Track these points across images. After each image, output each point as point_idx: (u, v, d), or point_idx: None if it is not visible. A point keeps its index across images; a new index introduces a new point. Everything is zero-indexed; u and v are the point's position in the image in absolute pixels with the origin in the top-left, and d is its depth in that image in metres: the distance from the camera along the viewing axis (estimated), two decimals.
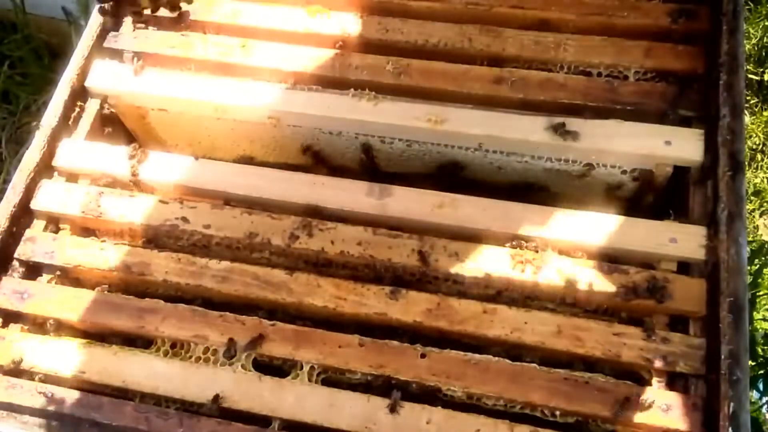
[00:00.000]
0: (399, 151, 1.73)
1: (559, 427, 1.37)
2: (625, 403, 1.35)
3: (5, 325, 1.57)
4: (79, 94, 1.79)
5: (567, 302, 1.50)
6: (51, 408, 1.44)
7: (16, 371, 1.50)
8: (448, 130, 1.65)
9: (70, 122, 1.76)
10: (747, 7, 3.18)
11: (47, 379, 1.49)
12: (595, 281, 1.46)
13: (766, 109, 3.10)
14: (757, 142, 3.05)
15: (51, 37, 3.07)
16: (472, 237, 1.55)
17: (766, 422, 2.29)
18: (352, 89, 1.70)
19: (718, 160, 1.52)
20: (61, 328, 1.57)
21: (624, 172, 1.64)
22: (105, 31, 1.84)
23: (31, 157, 1.69)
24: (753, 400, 2.30)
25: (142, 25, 1.86)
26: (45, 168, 1.70)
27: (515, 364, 1.42)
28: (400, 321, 1.48)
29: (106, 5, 1.23)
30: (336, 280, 1.52)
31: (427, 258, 1.51)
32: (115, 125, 1.85)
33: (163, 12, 1.26)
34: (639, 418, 1.34)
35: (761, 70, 3.13)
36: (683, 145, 1.57)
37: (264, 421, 1.41)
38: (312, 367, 1.45)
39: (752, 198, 2.92)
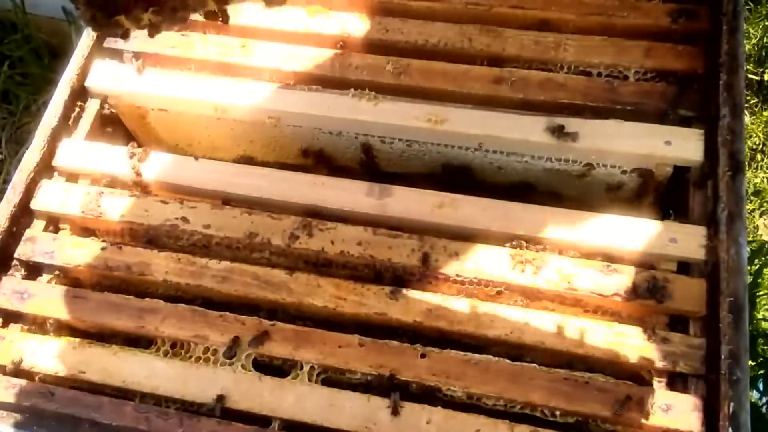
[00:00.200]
0: (399, 151, 1.73)
1: (559, 427, 1.37)
2: (625, 403, 1.35)
3: (5, 325, 1.57)
4: (79, 94, 1.79)
5: (567, 302, 1.50)
6: (51, 408, 1.44)
7: (16, 371, 1.50)
8: (448, 130, 1.65)
9: (70, 122, 1.76)
10: (747, 7, 3.18)
11: (47, 379, 1.49)
12: (595, 281, 1.46)
13: (766, 109, 3.10)
14: (757, 142, 3.05)
15: (51, 37, 3.07)
16: (472, 237, 1.55)
17: (766, 422, 2.29)
18: (352, 89, 1.70)
19: (718, 160, 1.52)
20: (61, 328, 1.57)
21: (624, 172, 1.64)
22: None
23: (31, 157, 1.69)
24: (753, 400, 2.30)
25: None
26: (45, 168, 1.70)
27: (515, 364, 1.42)
28: (400, 321, 1.48)
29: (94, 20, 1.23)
30: (336, 280, 1.52)
31: (428, 259, 1.51)
32: (115, 125, 1.85)
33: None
34: (639, 418, 1.34)
35: (761, 70, 3.13)
36: (683, 145, 1.57)
37: (264, 421, 1.41)
38: (312, 367, 1.45)
39: (752, 198, 2.92)
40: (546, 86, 1.67)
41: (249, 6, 1.81)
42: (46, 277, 1.61)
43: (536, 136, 1.62)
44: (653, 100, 1.63)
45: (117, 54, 1.82)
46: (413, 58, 1.74)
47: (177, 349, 1.51)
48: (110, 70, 1.80)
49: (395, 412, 1.38)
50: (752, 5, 3.21)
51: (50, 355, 1.50)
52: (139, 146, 1.72)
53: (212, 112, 1.76)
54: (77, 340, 1.53)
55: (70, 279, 1.64)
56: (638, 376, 1.42)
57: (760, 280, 2.61)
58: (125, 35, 1.30)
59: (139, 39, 1.82)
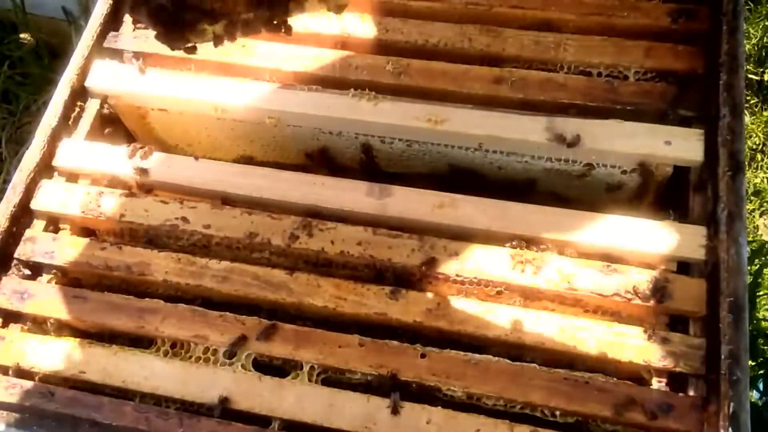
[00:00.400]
0: (399, 151, 1.73)
1: (559, 427, 1.37)
2: (625, 403, 1.35)
3: (5, 325, 1.57)
4: (79, 94, 1.79)
5: (567, 302, 1.50)
6: (51, 408, 1.44)
7: (16, 371, 1.50)
8: (448, 130, 1.65)
9: (70, 122, 1.76)
10: (747, 7, 3.18)
11: (47, 379, 1.49)
12: (595, 281, 1.46)
13: (766, 109, 3.10)
14: (757, 142, 3.05)
15: (51, 37, 3.07)
16: (472, 237, 1.55)
17: (766, 422, 2.29)
18: (352, 89, 1.70)
19: (718, 160, 1.52)
20: (61, 328, 1.57)
21: (624, 172, 1.64)
22: (105, 31, 1.84)
23: (31, 157, 1.69)
24: (753, 400, 2.30)
25: (142, 25, 1.86)
26: (45, 168, 1.70)
27: (515, 364, 1.42)
28: (400, 321, 1.48)
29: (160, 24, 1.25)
30: (336, 280, 1.52)
31: (434, 262, 1.50)
32: (115, 125, 1.85)
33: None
34: (639, 418, 1.34)
35: (761, 70, 3.13)
36: (683, 145, 1.57)
37: (264, 421, 1.41)
38: (312, 367, 1.45)
39: (752, 198, 2.92)
40: (546, 86, 1.67)
41: None
42: (46, 277, 1.61)
43: (536, 136, 1.62)
44: (653, 100, 1.63)
45: (117, 54, 1.83)
46: (413, 58, 1.74)
47: (177, 349, 1.51)
48: (110, 70, 1.80)
49: (395, 412, 1.38)
50: (752, 5, 3.21)
51: (50, 355, 1.50)
52: (141, 145, 1.72)
53: (212, 112, 1.76)
54: (77, 340, 1.53)
55: (70, 279, 1.64)
56: (638, 376, 1.42)
57: (760, 280, 2.61)
58: (192, 50, 1.33)
59: (139, 39, 1.83)
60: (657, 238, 1.49)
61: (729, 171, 1.50)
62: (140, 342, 1.54)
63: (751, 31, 3.17)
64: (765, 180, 2.99)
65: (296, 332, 1.48)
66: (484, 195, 1.58)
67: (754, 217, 2.91)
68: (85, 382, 1.48)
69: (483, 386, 1.40)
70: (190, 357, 1.49)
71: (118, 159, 1.70)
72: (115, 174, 1.69)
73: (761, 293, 2.63)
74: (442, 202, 1.58)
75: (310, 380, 1.45)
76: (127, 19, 1.87)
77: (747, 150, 2.95)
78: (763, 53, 3.15)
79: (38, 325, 1.57)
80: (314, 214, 1.59)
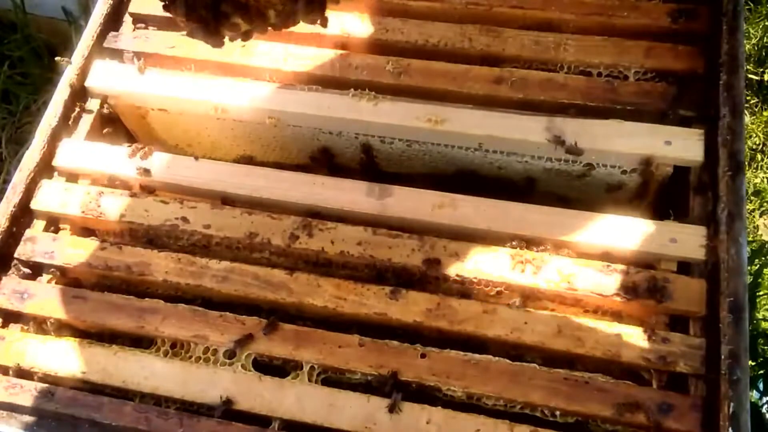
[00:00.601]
0: (399, 151, 1.73)
1: (559, 427, 1.37)
2: (625, 403, 1.35)
3: (5, 325, 1.57)
4: (79, 94, 1.79)
5: (567, 302, 1.50)
6: (51, 408, 1.44)
7: (16, 371, 1.50)
8: (448, 130, 1.65)
9: (70, 122, 1.76)
10: (747, 7, 3.18)
11: (47, 379, 1.49)
12: (595, 281, 1.46)
13: (766, 109, 3.10)
14: (757, 142, 3.05)
15: (51, 37, 3.07)
16: (472, 237, 1.55)
17: (766, 422, 2.29)
18: (352, 89, 1.70)
19: (718, 160, 1.52)
20: (61, 328, 1.57)
21: (624, 172, 1.64)
22: (105, 31, 1.84)
23: (31, 157, 1.69)
24: (753, 400, 2.30)
25: (142, 25, 1.87)
26: (45, 168, 1.70)
27: (515, 364, 1.42)
28: (400, 321, 1.48)
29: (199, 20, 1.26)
30: (336, 280, 1.52)
31: (437, 264, 1.50)
32: (115, 125, 1.85)
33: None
34: (639, 418, 1.34)
35: (761, 70, 3.13)
36: (683, 145, 1.57)
37: (264, 421, 1.41)
38: (312, 367, 1.45)
39: (752, 198, 2.92)
40: (546, 86, 1.67)
41: None
42: (46, 277, 1.61)
43: (536, 136, 1.62)
44: (653, 100, 1.63)
45: (117, 54, 1.83)
46: (413, 58, 1.73)
47: (177, 349, 1.51)
48: (110, 70, 1.80)
49: (395, 411, 1.38)
50: (752, 5, 3.21)
51: (50, 355, 1.50)
52: (142, 145, 1.72)
53: (212, 112, 1.76)
54: (77, 340, 1.53)
55: (70, 279, 1.64)
56: (638, 376, 1.42)
57: (760, 280, 2.61)
58: (220, 44, 1.34)
59: (139, 39, 1.83)
60: (657, 238, 1.49)
61: (729, 171, 1.50)
62: (140, 342, 1.54)
63: (751, 31, 3.17)
64: (765, 180, 2.99)
65: (296, 332, 1.48)
66: (484, 195, 1.58)
67: (754, 217, 2.91)
68: (85, 382, 1.48)
69: (483, 386, 1.40)
70: (190, 357, 1.49)
71: (118, 159, 1.70)
72: (115, 174, 1.69)
73: (761, 293, 2.63)
74: (442, 202, 1.58)
75: (310, 380, 1.45)
76: (127, 19, 1.88)
77: (747, 150, 2.95)
78: (763, 53, 3.15)
79: (38, 325, 1.57)
80: (314, 214, 1.59)
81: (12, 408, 1.45)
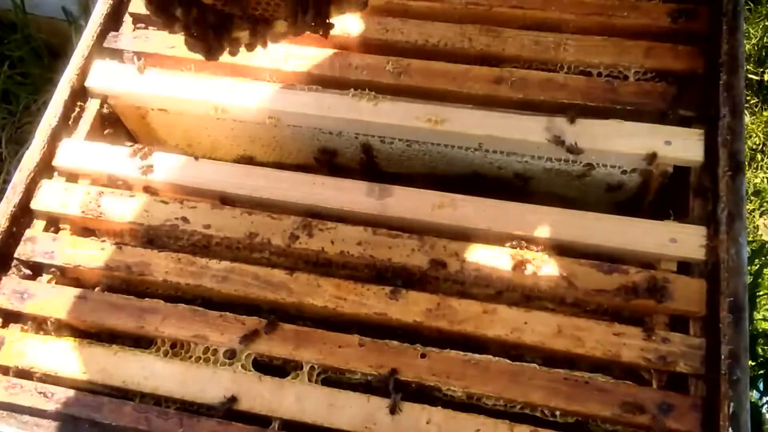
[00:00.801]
0: (399, 151, 1.73)
1: (559, 427, 1.37)
2: (625, 403, 1.35)
3: (5, 325, 1.57)
4: (79, 94, 1.79)
5: (567, 302, 1.50)
6: (51, 408, 1.44)
7: (16, 371, 1.50)
8: (448, 130, 1.65)
9: (70, 122, 1.76)
10: (747, 7, 3.18)
11: (47, 379, 1.49)
12: (595, 281, 1.46)
13: (766, 109, 3.10)
14: (757, 142, 3.05)
15: (51, 37, 3.07)
16: (472, 237, 1.55)
17: (766, 422, 2.29)
18: (352, 89, 1.70)
19: (718, 160, 1.52)
20: (61, 328, 1.57)
21: (624, 172, 1.64)
22: (105, 31, 1.84)
23: (31, 157, 1.69)
24: (753, 400, 2.30)
25: (143, 25, 1.87)
26: (45, 168, 1.70)
27: (515, 364, 1.42)
28: (400, 321, 1.48)
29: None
30: (336, 280, 1.52)
31: (434, 263, 1.50)
32: (115, 125, 1.85)
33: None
34: (639, 418, 1.34)
35: (761, 70, 3.13)
36: (683, 145, 1.57)
37: (264, 421, 1.41)
38: (312, 367, 1.45)
39: (752, 198, 2.92)
40: (546, 86, 1.67)
41: None
42: (46, 277, 1.61)
43: (536, 136, 1.62)
44: (653, 100, 1.63)
45: (117, 54, 1.83)
46: (413, 58, 1.74)
47: (177, 349, 1.52)
48: (110, 70, 1.80)
49: (395, 411, 1.38)
50: (752, 5, 3.21)
51: (50, 355, 1.50)
52: (143, 146, 1.72)
53: (212, 112, 1.76)
54: (77, 340, 1.53)
55: (70, 279, 1.64)
56: (638, 376, 1.42)
57: (760, 280, 2.61)
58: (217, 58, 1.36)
59: (139, 39, 1.83)
60: (657, 238, 1.49)
61: (729, 171, 1.50)
62: (140, 342, 1.54)
63: (751, 31, 3.17)
64: (765, 180, 2.99)
65: (296, 332, 1.48)
66: (484, 195, 1.58)
67: (754, 217, 2.91)
68: (85, 382, 1.48)
69: (483, 386, 1.40)
70: (190, 357, 1.49)
71: (118, 159, 1.70)
72: (115, 174, 1.69)
73: (761, 293, 2.63)
74: (442, 202, 1.58)
75: (310, 380, 1.45)
76: (127, 19, 1.88)
77: (747, 150, 2.95)
78: (763, 53, 3.15)
79: (38, 325, 1.57)
80: (314, 214, 1.59)
81: (12, 408, 1.45)
